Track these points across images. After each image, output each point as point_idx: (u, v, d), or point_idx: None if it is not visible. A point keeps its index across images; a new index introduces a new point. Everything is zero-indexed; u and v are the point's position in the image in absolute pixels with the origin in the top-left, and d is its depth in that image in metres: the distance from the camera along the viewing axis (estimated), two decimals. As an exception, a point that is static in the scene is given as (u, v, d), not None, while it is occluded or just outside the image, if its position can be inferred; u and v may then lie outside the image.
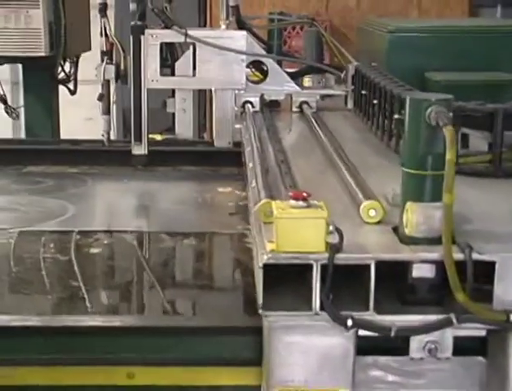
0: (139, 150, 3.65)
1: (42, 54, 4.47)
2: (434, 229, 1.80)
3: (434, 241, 1.80)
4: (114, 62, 3.64)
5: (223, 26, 3.67)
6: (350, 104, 3.58)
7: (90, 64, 4.97)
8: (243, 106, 3.57)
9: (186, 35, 3.51)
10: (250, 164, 2.57)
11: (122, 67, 3.57)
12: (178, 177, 3.65)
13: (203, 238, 2.84)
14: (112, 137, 5.38)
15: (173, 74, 3.60)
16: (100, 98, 3.63)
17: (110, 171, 3.64)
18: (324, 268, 1.74)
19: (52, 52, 4.50)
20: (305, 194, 1.76)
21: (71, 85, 4.89)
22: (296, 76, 3.69)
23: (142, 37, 3.52)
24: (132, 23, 3.53)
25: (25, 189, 3.42)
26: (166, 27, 3.54)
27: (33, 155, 3.81)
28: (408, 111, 1.80)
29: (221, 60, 3.55)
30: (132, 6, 3.53)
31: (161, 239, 2.76)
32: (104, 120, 3.70)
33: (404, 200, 1.83)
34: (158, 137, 5.87)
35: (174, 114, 3.73)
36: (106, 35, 3.59)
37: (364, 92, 3.24)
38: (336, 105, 3.66)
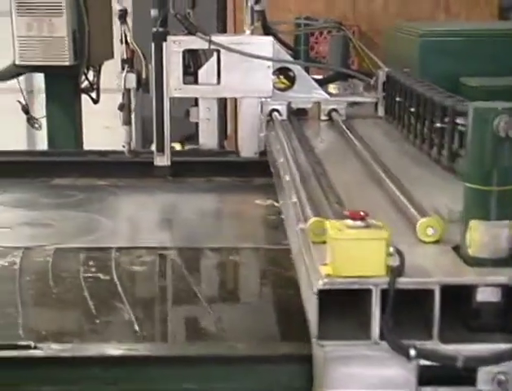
0: (162, 161, 3.51)
1: (66, 63, 4.37)
2: (501, 249, 1.66)
3: (501, 262, 1.66)
4: (135, 70, 3.50)
5: (248, 32, 3.53)
6: (380, 111, 3.44)
7: (106, 72, 4.87)
8: (269, 114, 3.44)
9: (210, 41, 3.37)
10: (287, 177, 2.44)
11: (144, 75, 3.43)
12: (209, 188, 3.52)
13: (249, 253, 2.70)
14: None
15: (196, 82, 3.46)
16: (121, 107, 3.49)
17: (139, 183, 3.51)
18: (383, 293, 1.60)
19: (76, 61, 4.39)
20: (362, 213, 1.62)
21: (93, 94, 4.76)
22: (323, 83, 3.55)
23: (164, 43, 3.39)
24: (154, 29, 3.39)
25: (56, 203, 3.30)
26: (190, 33, 3.40)
27: (60, 168, 3.68)
28: (472, 121, 1.66)
29: (246, 67, 3.41)
30: (153, 12, 3.40)
31: (205, 256, 2.64)
32: (125, 131, 3.56)
33: (467, 218, 1.69)
34: (177, 146, 5.74)
35: (197, 123, 3.59)
36: (126, 42, 3.45)
37: (398, 99, 3.10)
38: (365, 112, 3.52)
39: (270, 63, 3.40)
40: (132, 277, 2.52)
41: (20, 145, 7.57)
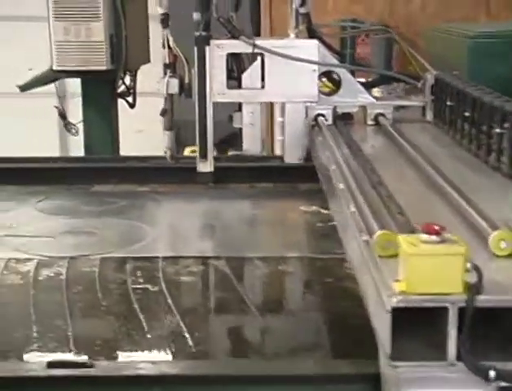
0: (205, 167, 3.44)
1: (104, 67, 4.30)
2: None
3: None
4: (178, 75, 3.43)
5: (293, 35, 3.45)
6: (429, 116, 3.34)
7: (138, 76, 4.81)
8: (315, 119, 3.36)
9: (254, 45, 3.30)
10: (341, 185, 2.35)
11: (187, 80, 3.36)
12: (253, 194, 3.46)
13: (300, 263, 2.63)
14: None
15: (239, 87, 3.39)
16: (163, 113, 3.42)
17: (180, 189, 3.45)
18: (460, 311, 1.52)
19: (113, 65, 4.33)
20: (437, 227, 1.54)
21: (129, 99, 4.70)
22: (368, 87, 3.47)
23: (207, 48, 3.32)
24: (196, 33, 3.32)
25: (97, 210, 3.24)
26: (233, 37, 3.33)
27: (100, 174, 3.63)
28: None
29: (291, 71, 3.33)
30: (196, 16, 3.32)
31: (254, 265, 2.57)
32: (167, 136, 3.49)
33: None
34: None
35: (240, 129, 3.51)
36: (169, 47, 3.38)
37: (449, 103, 3.01)
38: (411, 116, 3.42)
39: (315, 67, 3.32)
40: (181, 288, 2.46)
41: (52, 150, 7.54)
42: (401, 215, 1.95)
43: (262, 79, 3.36)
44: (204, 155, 3.42)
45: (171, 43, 3.36)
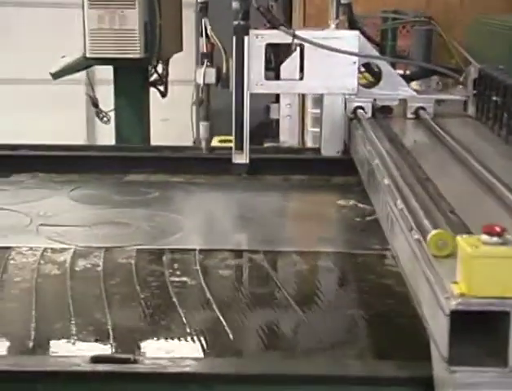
0: (241, 159, 3.40)
1: (138, 55, 4.27)
2: None
3: None
4: (215, 64, 3.38)
5: (333, 25, 3.39)
6: (470, 110, 3.28)
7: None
8: (354, 112, 3.31)
9: (294, 36, 3.25)
10: (385, 181, 2.30)
11: (224, 70, 3.31)
12: (289, 187, 3.40)
13: (340, 259, 2.56)
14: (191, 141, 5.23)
15: (277, 78, 3.33)
16: (200, 103, 3.38)
17: (215, 180, 3.40)
18: (520, 316, 1.46)
19: (147, 54, 4.29)
20: (499, 228, 1.49)
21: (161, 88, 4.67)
22: (408, 80, 3.41)
23: (246, 37, 3.27)
24: (235, 22, 3.27)
25: (131, 200, 3.19)
26: (273, 27, 3.28)
27: (133, 163, 3.58)
28: None
29: (331, 63, 3.27)
30: (235, 5, 3.28)
31: (293, 261, 2.51)
32: (203, 127, 3.45)
33: None
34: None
35: (277, 120, 3.47)
36: (207, 36, 3.33)
37: (495, 98, 2.94)
38: (452, 111, 3.36)
39: (355, 59, 3.26)
40: (220, 282, 2.41)
41: (79, 138, 7.53)
42: (453, 214, 1.90)
43: (301, 70, 3.30)
44: (240, 147, 3.38)
45: (209, 32, 3.31)
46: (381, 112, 3.34)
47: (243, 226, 3.03)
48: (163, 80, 4.63)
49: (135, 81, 4.57)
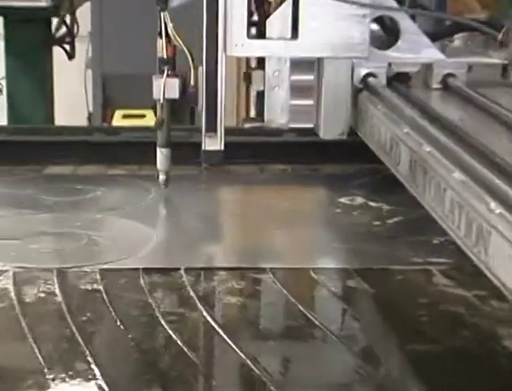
0: (213, 144, 2.90)
1: (43, 3, 3.79)
2: None
3: None
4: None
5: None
6: (512, 77, 2.92)
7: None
8: (363, 80, 2.90)
9: (286, -19, 2.80)
10: (456, 175, 1.91)
11: (192, 81, 2.82)
12: (280, 179, 3.11)
13: (370, 277, 2.19)
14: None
15: (263, 36, 2.87)
16: (160, 125, 2.80)
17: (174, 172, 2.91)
18: None
19: (53, 2, 3.82)
20: None
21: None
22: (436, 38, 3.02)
23: (220, -18, 2.80)
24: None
25: (67, 202, 2.75)
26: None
27: (56, 150, 3.17)
28: None
29: (334, 16, 2.81)
30: None
31: (312, 280, 2.18)
32: (162, 155, 2.88)
33: None
34: (149, 113, 5.09)
35: (258, 93, 3.04)
36: (167, 36, 2.77)
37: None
38: (487, 78, 2.99)
39: (366, 12, 2.83)
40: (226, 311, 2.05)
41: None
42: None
43: (295, 27, 2.85)
44: (213, 128, 2.89)
45: (170, 31, 2.79)
46: (397, 81, 2.94)
47: (226, 234, 2.70)
48: (72, 36, 4.19)
49: (33, 38, 4.09)
